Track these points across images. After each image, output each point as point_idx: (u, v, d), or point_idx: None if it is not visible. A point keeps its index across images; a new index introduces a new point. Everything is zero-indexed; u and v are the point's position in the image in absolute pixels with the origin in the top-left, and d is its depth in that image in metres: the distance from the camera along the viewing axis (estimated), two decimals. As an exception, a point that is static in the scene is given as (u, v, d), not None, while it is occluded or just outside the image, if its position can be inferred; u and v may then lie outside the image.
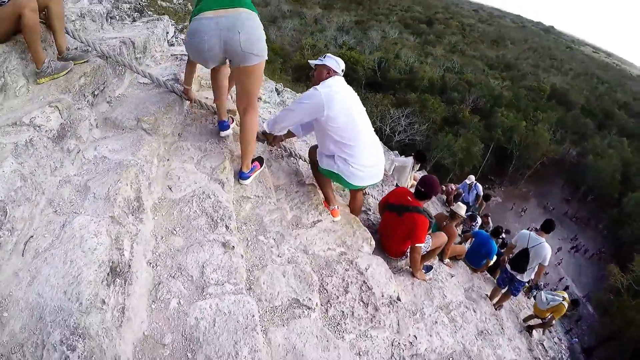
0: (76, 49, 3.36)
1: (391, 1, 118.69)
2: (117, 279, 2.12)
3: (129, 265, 2.27)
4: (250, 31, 2.85)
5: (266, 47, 2.99)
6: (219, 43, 2.86)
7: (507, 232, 13.91)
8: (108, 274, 2.04)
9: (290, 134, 4.10)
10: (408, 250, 4.61)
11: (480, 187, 11.57)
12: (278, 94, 5.38)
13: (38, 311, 1.81)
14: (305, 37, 63.88)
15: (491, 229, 10.24)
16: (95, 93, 3.26)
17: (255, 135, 3.45)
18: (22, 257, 2.03)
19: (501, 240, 10.72)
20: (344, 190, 4.97)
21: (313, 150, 4.01)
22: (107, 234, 2.18)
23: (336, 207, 4.07)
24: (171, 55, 4.84)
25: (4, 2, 2.67)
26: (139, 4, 6.01)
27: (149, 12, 6.25)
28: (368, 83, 54.05)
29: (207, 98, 4.07)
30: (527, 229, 7.03)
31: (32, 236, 2.14)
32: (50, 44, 3.20)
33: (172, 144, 3.43)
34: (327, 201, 4.07)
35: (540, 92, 68.72)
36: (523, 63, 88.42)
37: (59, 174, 2.54)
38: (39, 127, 2.50)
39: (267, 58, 3.05)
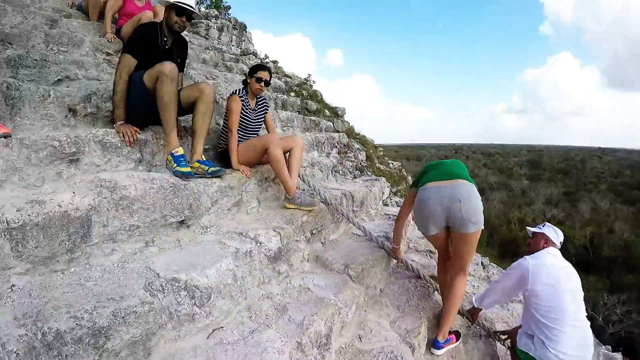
0: (304, 190, 3.88)
1: (598, 168, 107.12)
2: (284, 402, 2.04)
3: (299, 394, 2.18)
4: (470, 200, 3.11)
5: (483, 217, 3.15)
6: (442, 209, 3.13)
7: None
8: (277, 393, 1.98)
9: None
10: None
11: None
12: (483, 268, 5.14)
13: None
14: (512, 210, 60.89)
15: None
16: (313, 232, 3.62)
17: (460, 301, 3.35)
18: (206, 339, 2.19)
19: None
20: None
21: (516, 329, 3.56)
22: (289, 355, 2.18)
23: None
24: (384, 214, 5.15)
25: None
26: (360, 164, 6.83)
27: (368, 172, 7.00)
28: (579, 262, 46.07)
29: (413, 261, 4.10)
30: None
31: (222, 327, 2.30)
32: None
33: (372, 297, 3.46)
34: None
35: None
36: None
37: (264, 288, 2.77)
38: (260, 243, 2.88)
39: (482, 227, 3.16)
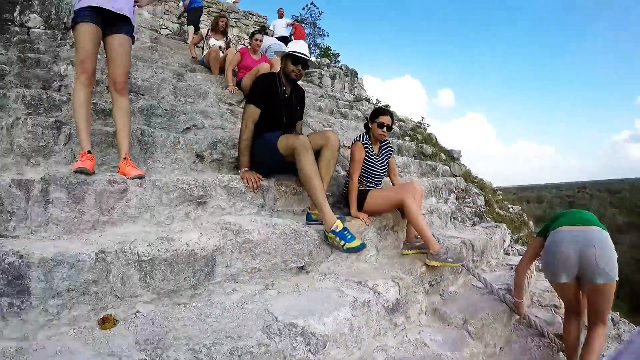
0: (443, 245, 3.68)
1: None
2: None
3: None
4: (605, 247, 2.98)
5: (617, 268, 3.00)
6: (575, 254, 3.01)
7: None
8: None
9: None
10: None
11: None
12: (614, 325, 4.49)
13: None
14: (644, 258, 52.86)
15: None
16: (432, 283, 3.43)
17: (597, 354, 3.09)
18: None
19: None
20: None
21: None
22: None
23: None
24: (506, 264, 4.80)
25: None
26: (479, 209, 6.48)
27: (487, 218, 6.60)
28: None
29: (536, 317, 3.75)
30: None
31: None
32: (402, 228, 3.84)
33: (491, 355, 3.19)
34: None
35: None
36: None
37: (379, 340, 2.64)
38: (378, 294, 2.77)
39: (617, 280, 3.00)
